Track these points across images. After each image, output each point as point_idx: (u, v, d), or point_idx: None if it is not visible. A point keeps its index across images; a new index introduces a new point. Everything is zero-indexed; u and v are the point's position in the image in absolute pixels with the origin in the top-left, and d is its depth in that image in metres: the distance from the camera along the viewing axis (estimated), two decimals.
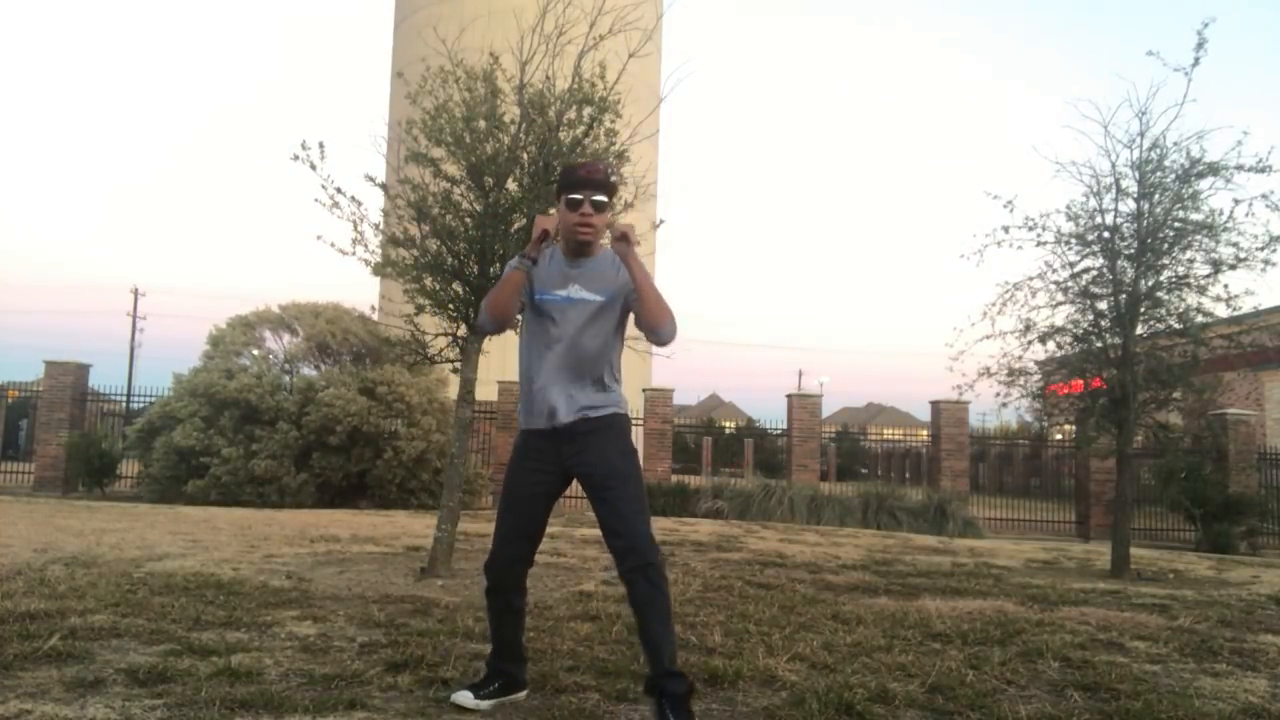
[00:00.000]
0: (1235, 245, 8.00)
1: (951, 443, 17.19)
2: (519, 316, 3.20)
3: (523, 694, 3.19)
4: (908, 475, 31.48)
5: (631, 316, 3.07)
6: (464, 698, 3.05)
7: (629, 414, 3.21)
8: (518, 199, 6.07)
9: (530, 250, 3.01)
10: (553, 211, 3.28)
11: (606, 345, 3.05)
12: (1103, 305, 8.47)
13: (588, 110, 6.15)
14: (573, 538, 8.80)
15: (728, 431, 40.81)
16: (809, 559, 8.06)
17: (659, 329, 2.94)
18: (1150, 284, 8.26)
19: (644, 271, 2.97)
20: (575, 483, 3.11)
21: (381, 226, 6.54)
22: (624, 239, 2.96)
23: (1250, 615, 5.80)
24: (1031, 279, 8.61)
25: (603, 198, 3.01)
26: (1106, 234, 8.39)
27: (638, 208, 6.60)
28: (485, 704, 3.05)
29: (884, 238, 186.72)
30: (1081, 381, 8.87)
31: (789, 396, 17.89)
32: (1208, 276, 8.12)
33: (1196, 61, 7.90)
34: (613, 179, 3.09)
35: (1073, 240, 8.53)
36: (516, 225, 6.13)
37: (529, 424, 3.07)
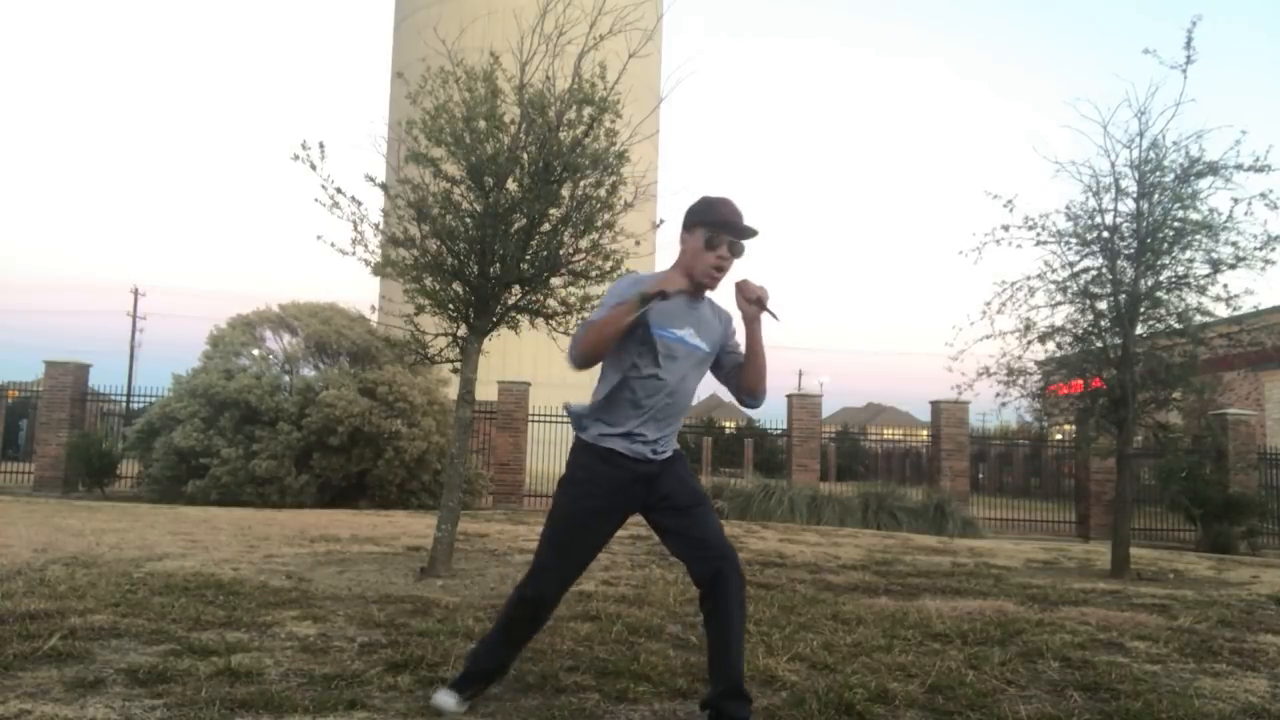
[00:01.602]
0: (1234, 245, 8.02)
1: (951, 443, 17.18)
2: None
3: (508, 673, 3.21)
4: (908, 475, 31.44)
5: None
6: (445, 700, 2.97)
7: None
8: (518, 199, 6.07)
9: (651, 299, 2.74)
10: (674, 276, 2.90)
11: (695, 391, 3.08)
12: (1102, 305, 8.47)
13: (588, 110, 6.15)
14: None
15: (728, 432, 40.79)
16: (809, 559, 8.06)
17: (757, 394, 2.98)
18: (1150, 284, 8.26)
19: (761, 339, 2.90)
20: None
21: (381, 226, 6.54)
22: (759, 303, 2.84)
23: (1250, 615, 5.80)
24: (1031, 278, 8.63)
25: (744, 244, 2.87)
26: (1106, 234, 8.39)
27: (638, 207, 6.60)
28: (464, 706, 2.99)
29: (884, 238, 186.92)
30: (1081, 381, 8.87)
31: (789, 396, 17.89)
32: (1207, 276, 8.13)
33: (1189, 59, 7.91)
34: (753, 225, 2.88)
35: (1072, 240, 8.54)
36: (516, 225, 6.13)
37: (612, 445, 2.89)
